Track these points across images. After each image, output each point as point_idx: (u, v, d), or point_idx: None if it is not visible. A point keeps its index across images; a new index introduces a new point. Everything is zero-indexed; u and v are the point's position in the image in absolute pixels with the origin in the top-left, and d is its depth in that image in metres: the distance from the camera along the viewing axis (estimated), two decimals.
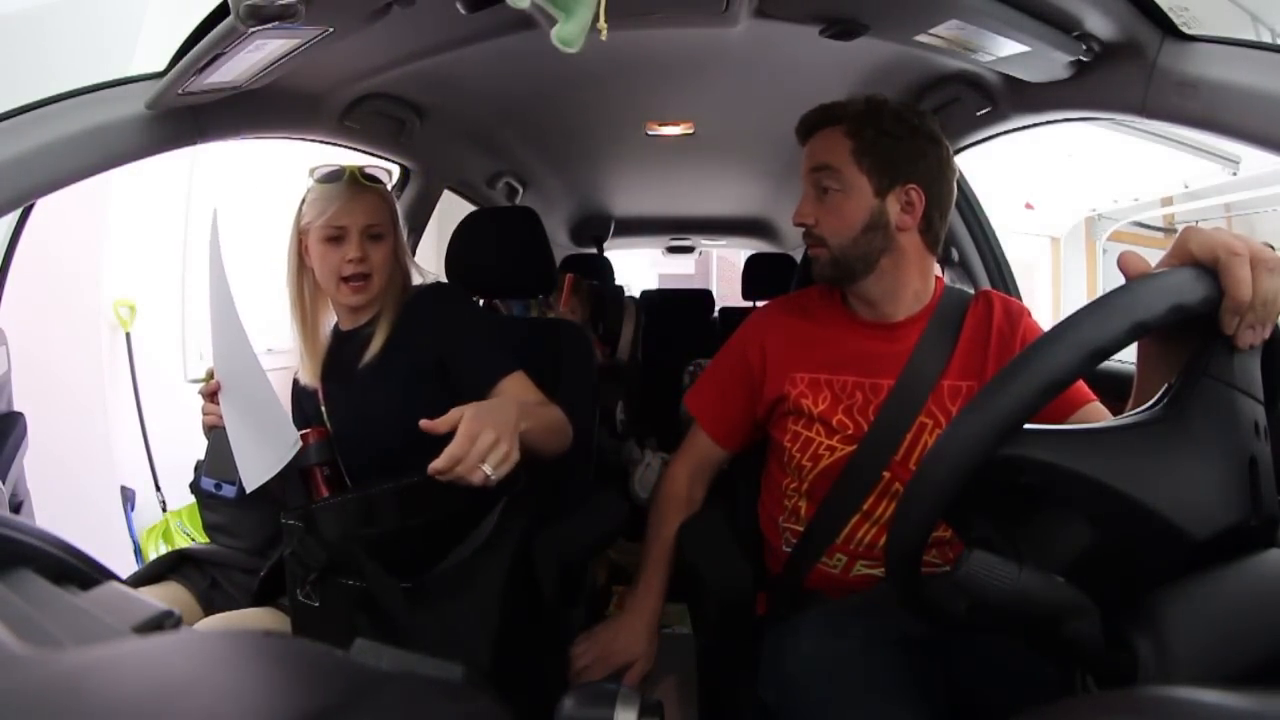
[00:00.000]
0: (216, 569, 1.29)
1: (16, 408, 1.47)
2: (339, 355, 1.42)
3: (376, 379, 1.34)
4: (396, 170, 1.66)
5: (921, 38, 1.19)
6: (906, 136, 1.21)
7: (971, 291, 1.33)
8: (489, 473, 1.00)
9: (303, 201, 1.37)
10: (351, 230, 1.32)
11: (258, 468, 1.15)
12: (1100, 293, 0.63)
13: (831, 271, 1.25)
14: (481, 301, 2.04)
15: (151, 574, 1.31)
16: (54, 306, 3.32)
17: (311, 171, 1.36)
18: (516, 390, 1.31)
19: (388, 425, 1.25)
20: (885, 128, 1.21)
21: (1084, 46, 1.12)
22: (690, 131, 2.22)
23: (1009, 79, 1.38)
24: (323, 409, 1.40)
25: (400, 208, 1.45)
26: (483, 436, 0.99)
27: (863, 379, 1.22)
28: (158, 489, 3.23)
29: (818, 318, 1.31)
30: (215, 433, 1.27)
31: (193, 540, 2.80)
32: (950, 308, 1.26)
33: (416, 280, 1.46)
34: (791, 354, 1.28)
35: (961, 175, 1.89)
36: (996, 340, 1.22)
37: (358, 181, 1.35)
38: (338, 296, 1.37)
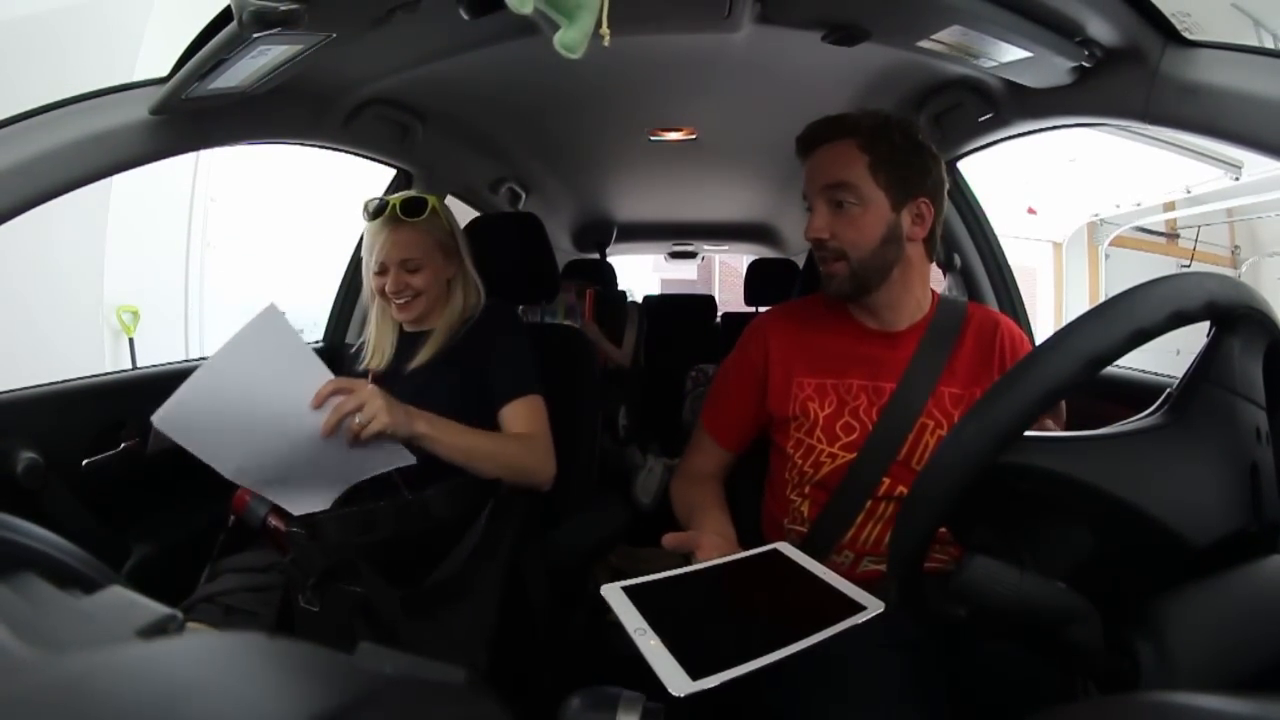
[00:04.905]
0: (224, 596, 1.29)
1: None
2: (397, 353, 1.53)
3: (423, 383, 1.44)
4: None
5: (923, 43, 1.19)
6: (915, 152, 1.23)
7: (965, 300, 1.35)
8: (358, 422, 1.14)
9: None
10: (390, 265, 1.47)
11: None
12: (1103, 298, 0.63)
13: (850, 286, 1.24)
14: None
15: None
16: (55, 312, 3.34)
17: (365, 206, 1.50)
18: (519, 413, 1.44)
19: None
20: (897, 143, 1.21)
21: (1086, 52, 1.12)
22: (693, 137, 2.22)
23: (1011, 84, 1.38)
24: None
25: None
26: (349, 400, 1.14)
27: (867, 381, 1.24)
28: None
29: (821, 324, 1.32)
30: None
31: None
32: (947, 317, 1.29)
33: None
34: (796, 359, 1.30)
35: (963, 179, 1.90)
36: (999, 362, 1.25)
37: (396, 218, 1.46)
38: (390, 309, 1.52)
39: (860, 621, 0.82)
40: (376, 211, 1.47)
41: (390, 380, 1.49)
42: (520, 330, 1.55)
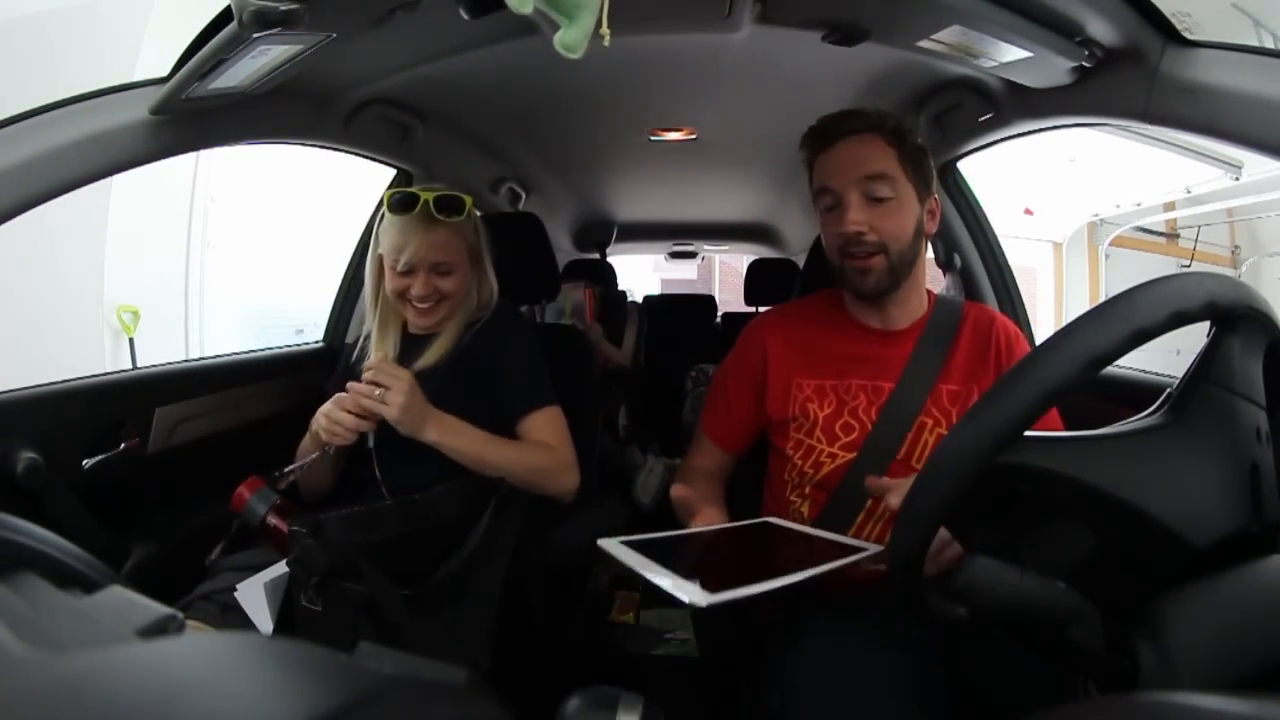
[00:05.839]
0: (222, 594, 1.29)
1: None
2: (401, 355, 1.47)
3: (427, 384, 1.37)
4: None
5: (924, 43, 1.19)
6: (924, 151, 1.26)
7: (961, 300, 1.37)
8: (373, 398, 1.25)
9: (379, 220, 1.41)
10: (420, 269, 1.37)
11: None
12: (1103, 298, 0.62)
13: (888, 281, 1.24)
14: None
15: None
16: (55, 312, 3.33)
17: (388, 198, 1.38)
18: (539, 426, 1.42)
19: None
20: (912, 140, 1.24)
21: (1086, 52, 1.12)
22: (693, 137, 2.22)
23: (1011, 84, 1.38)
24: None
25: None
26: (386, 378, 1.25)
27: (866, 381, 1.25)
28: None
29: (820, 325, 1.33)
30: None
31: None
32: (944, 316, 1.30)
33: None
34: (795, 360, 1.30)
35: (964, 179, 1.90)
36: (994, 358, 1.26)
37: (430, 216, 1.36)
38: (405, 312, 1.44)
39: (864, 558, 0.82)
40: (404, 205, 1.36)
41: None
42: (530, 336, 1.50)
